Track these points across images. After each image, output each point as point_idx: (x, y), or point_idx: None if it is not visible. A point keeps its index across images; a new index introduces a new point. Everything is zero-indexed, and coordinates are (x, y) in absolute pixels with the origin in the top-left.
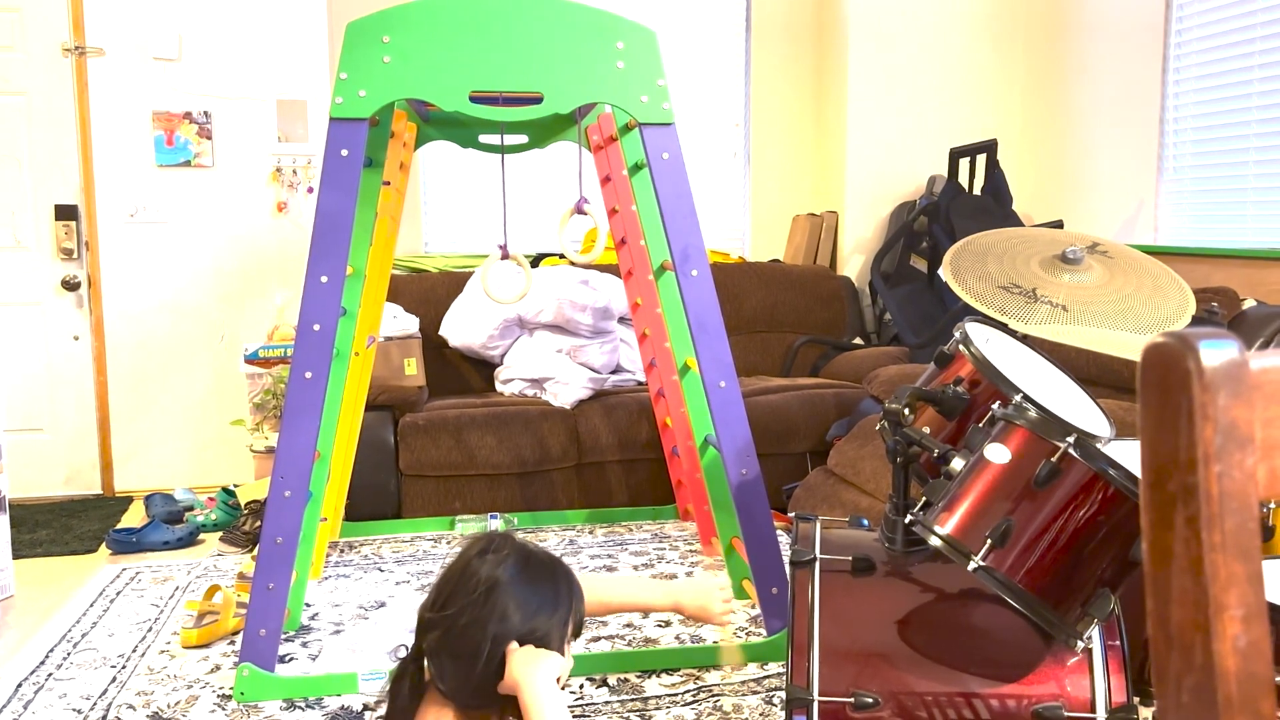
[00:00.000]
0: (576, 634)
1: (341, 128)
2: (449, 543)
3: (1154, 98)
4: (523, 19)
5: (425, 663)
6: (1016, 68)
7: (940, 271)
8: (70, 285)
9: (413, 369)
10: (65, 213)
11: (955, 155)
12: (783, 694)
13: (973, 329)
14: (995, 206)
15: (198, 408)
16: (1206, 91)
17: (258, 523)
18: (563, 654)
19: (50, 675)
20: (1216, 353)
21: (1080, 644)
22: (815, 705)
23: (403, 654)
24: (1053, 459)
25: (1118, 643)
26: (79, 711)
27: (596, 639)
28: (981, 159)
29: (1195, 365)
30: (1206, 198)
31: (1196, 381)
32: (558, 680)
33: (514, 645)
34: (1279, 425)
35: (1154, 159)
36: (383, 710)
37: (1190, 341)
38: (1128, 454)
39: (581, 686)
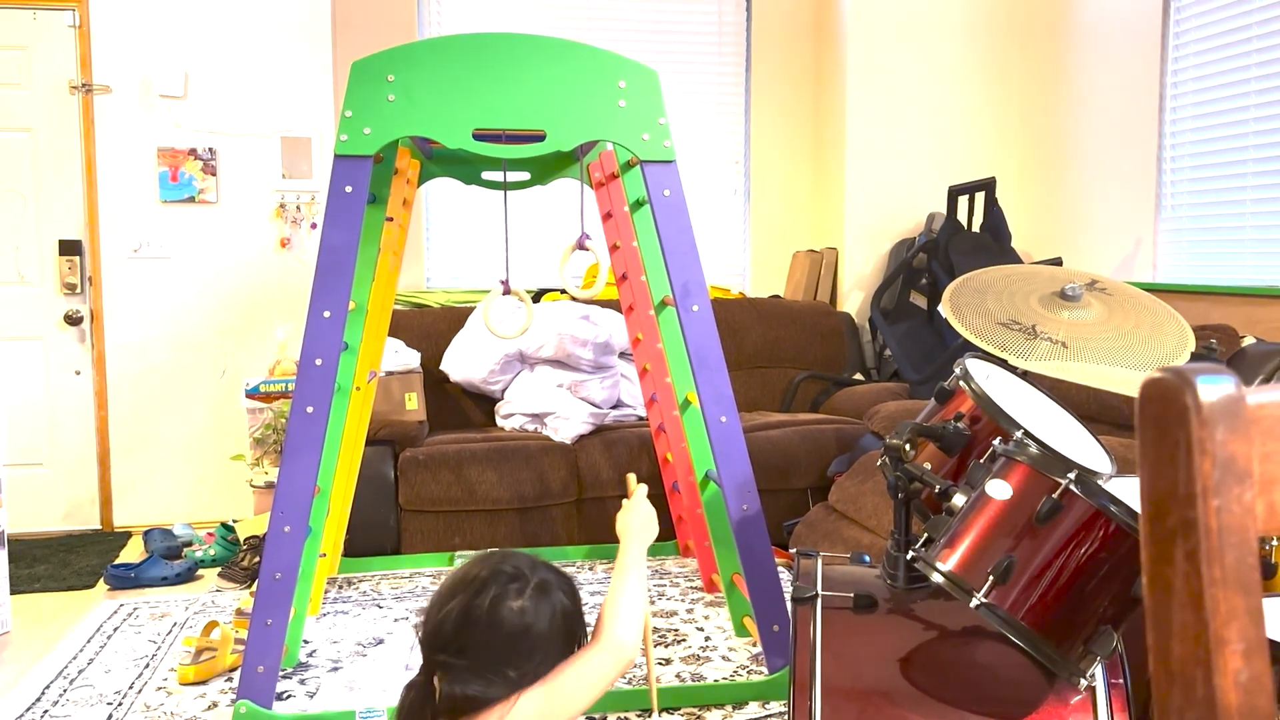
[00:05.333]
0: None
1: (346, 164)
2: None
3: (1151, 135)
4: (526, 58)
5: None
6: (1014, 106)
7: (940, 308)
8: (73, 320)
9: (413, 404)
10: (69, 248)
11: (954, 193)
12: None
13: (973, 365)
14: (994, 244)
15: (198, 442)
16: (1204, 130)
17: (256, 558)
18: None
19: (46, 712)
20: (1214, 388)
21: (1083, 682)
22: None
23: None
24: (1054, 495)
25: (1121, 681)
26: None
27: None
28: (980, 196)
29: (1193, 400)
30: (1204, 235)
31: (1194, 416)
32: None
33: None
34: (1277, 460)
35: (1152, 197)
36: None
37: (1188, 376)
38: (1128, 491)
39: None
